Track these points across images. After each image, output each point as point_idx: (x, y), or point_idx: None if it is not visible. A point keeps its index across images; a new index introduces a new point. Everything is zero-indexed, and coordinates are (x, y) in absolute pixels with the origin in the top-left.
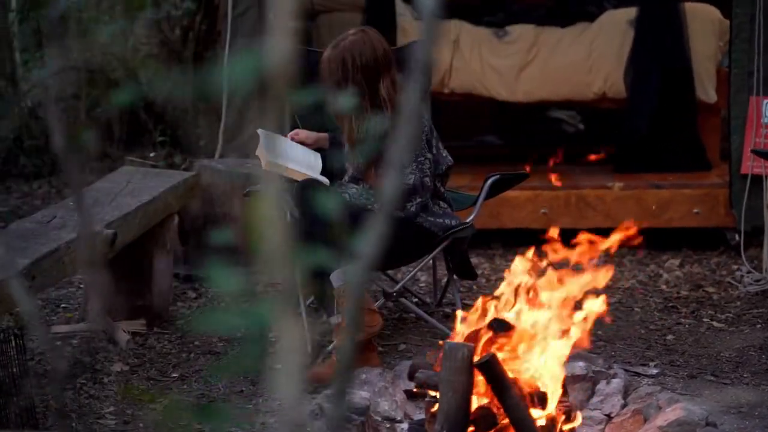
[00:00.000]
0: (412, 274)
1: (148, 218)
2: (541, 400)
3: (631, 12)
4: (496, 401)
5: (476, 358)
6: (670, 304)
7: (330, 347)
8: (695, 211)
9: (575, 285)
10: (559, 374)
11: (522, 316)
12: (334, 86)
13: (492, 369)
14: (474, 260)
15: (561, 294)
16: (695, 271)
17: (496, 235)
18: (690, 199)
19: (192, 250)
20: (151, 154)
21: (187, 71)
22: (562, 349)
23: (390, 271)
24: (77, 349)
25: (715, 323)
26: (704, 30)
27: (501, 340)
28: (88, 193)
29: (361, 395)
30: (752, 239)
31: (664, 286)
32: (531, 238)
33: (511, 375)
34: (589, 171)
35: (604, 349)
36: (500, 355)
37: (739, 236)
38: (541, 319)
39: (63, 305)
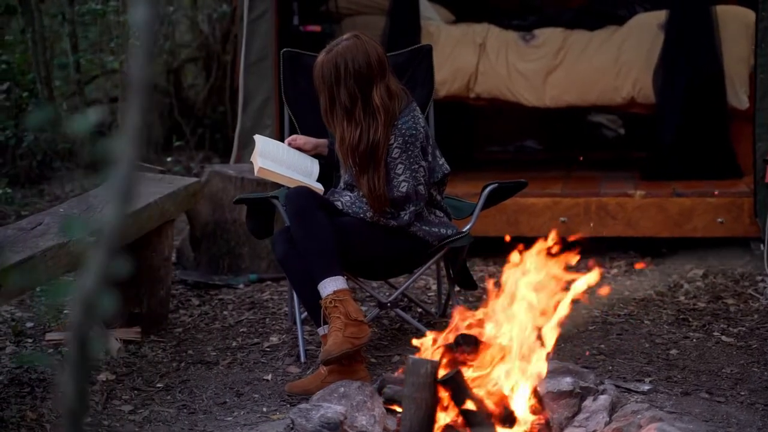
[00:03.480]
0: (407, 284)
1: (140, 225)
2: (509, 417)
3: (661, 15)
4: (461, 419)
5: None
6: (682, 317)
7: (319, 359)
8: (719, 220)
9: (550, 295)
10: (533, 390)
11: (493, 330)
12: (326, 92)
13: (456, 385)
14: (491, 269)
15: (534, 305)
16: (718, 282)
17: (513, 242)
18: (714, 208)
19: (202, 256)
20: (168, 159)
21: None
22: (537, 364)
23: (393, 280)
24: (66, 357)
25: (724, 337)
26: (737, 33)
27: (469, 356)
28: (84, 199)
29: (335, 409)
30: None
31: (682, 297)
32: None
33: (479, 392)
34: (611, 178)
35: (603, 363)
36: (468, 372)
37: (764, 246)
38: (514, 334)
39: (66, 311)
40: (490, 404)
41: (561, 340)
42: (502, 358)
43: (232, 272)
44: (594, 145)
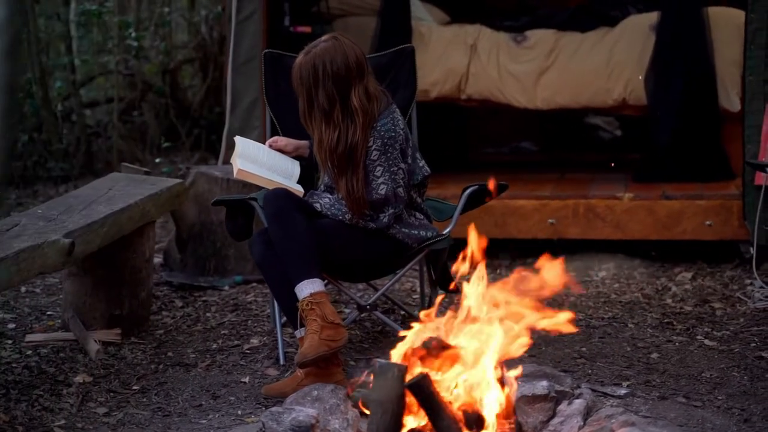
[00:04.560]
0: (387, 286)
1: (118, 227)
2: (478, 421)
3: (652, 17)
4: (428, 423)
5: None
6: (667, 320)
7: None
8: (708, 222)
9: (519, 301)
10: (502, 394)
11: (463, 334)
12: (305, 93)
13: (423, 390)
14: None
15: (504, 311)
16: (706, 284)
17: (502, 245)
18: (703, 211)
19: (189, 258)
20: (157, 160)
21: None
22: (504, 367)
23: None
24: (44, 359)
25: (707, 341)
26: (729, 35)
27: (438, 360)
28: (63, 200)
29: (307, 413)
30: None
31: (669, 300)
32: (538, 249)
33: (447, 396)
34: (603, 180)
35: (583, 367)
36: (437, 376)
37: (753, 249)
38: (483, 337)
39: (49, 312)
40: (457, 408)
41: (542, 343)
42: (474, 362)
43: (218, 274)
44: (590, 146)
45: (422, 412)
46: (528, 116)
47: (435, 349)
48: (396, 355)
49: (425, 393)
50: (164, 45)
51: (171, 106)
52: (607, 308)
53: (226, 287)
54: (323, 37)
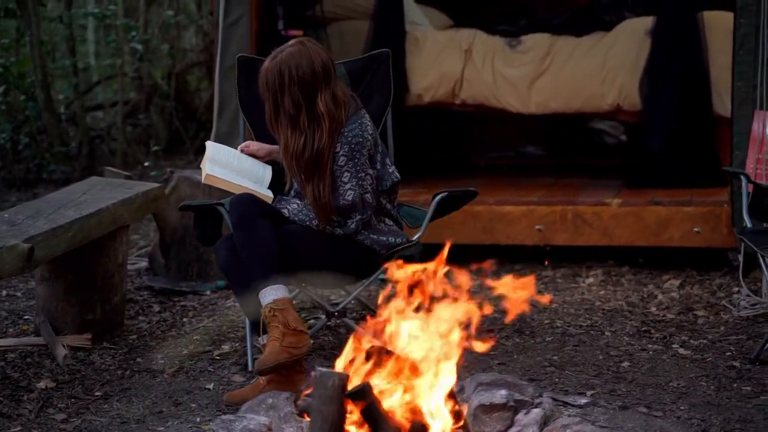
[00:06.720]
0: (356, 293)
1: (86, 232)
2: (421, 430)
3: (648, 21)
4: None
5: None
6: (644, 329)
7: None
8: (696, 229)
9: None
10: (449, 402)
11: (407, 341)
12: (271, 99)
13: (364, 399)
14: (465, 277)
15: (448, 316)
16: (694, 292)
17: (489, 251)
18: (691, 217)
19: (172, 262)
20: (146, 164)
21: None
22: (451, 375)
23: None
24: (10, 364)
25: (682, 350)
26: (724, 40)
27: (382, 368)
28: (34, 204)
29: (258, 420)
30: (756, 260)
31: (653, 308)
32: (526, 255)
33: (390, 404)
34: (597, 186)
35: (551, 375)
36: (381, 384)
37: (741, 257)
38: (428, 345)
39: (26, 316)
40: (400, 417)
41: (514, 351)
42: (415, 370)
43: (200, 278)
44: (594, 151)
45: (364, 422)
46: (533, 121)
47: (379, 356)
48: (339, 363)
49: (366, 402)
50: (168, 48)
51: (176, 110)
52: (587, 316)
53: (208, 292)
54: (290, 42)
